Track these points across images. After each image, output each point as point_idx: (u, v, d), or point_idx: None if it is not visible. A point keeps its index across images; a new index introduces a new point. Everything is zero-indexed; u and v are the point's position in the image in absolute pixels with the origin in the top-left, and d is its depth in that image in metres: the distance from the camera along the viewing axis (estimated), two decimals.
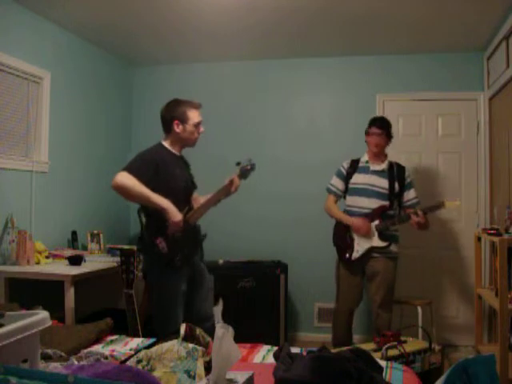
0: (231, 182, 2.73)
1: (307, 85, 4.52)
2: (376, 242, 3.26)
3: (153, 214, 2.62)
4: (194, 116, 2.71)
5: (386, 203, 3.27)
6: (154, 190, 2.55)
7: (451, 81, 4.23)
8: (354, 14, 3.46)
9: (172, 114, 2.71)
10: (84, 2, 3.30)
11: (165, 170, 2.62)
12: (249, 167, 2.74)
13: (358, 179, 3.37)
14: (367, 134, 3.39)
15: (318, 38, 4.00)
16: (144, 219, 2.76)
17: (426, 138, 4.30)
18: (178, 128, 2.70)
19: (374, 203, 3.27)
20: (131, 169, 2.55)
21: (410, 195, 3.34)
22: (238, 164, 2.76)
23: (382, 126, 3.34)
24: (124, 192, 2.53)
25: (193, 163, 2.95)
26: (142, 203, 2.67)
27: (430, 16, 3.45)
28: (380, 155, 3.38)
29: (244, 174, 2.75)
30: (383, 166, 3.35)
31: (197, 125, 2.73)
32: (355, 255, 3.29)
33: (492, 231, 3.17)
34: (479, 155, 4.18)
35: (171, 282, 2.65)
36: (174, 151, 2.75)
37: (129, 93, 4.81)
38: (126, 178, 2.50)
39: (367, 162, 3.39)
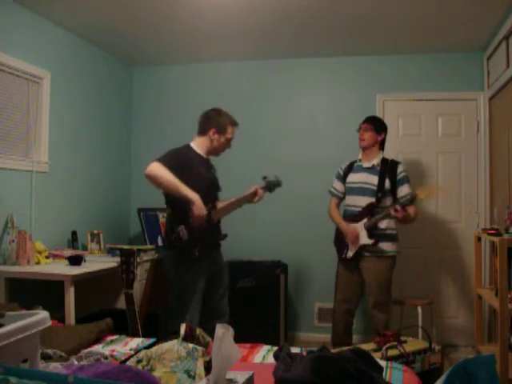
0: (255, 193, 2.92)
1: (307, 85, 4.52)
2: (364, 239, 3.26)
3: (177, 205, 2.76)
4: (230, 131, 2.94)
5: (374, 200, 3.26)
6: None
7: (451, 81, 4.23)
8: (354, 15, 3.46)
9: (212, 121, 2.90)
10: (84, 2, 3.30)
11: (190, 169, 2.78)
12: (275, 182, 2.99)
13: (352, 178, 3.41)
14: (357, 131, 3.43)
15: (317, 39, 4.00)
16: (168, 210, 2.91)
17: (426, 137, 4.30)
18: (213, 135, 2.90)
19: (366, 201, 3.28)
20: (163, 160, 2.72)
21: (403, 191, 3.26)
22: (265, 178, 2.98)
23: (368, 121, 3.37)
24: (155, 180, 2.70)
25: None
26: (171, 193, 2.77)
27: (430, 16, 3.45)
28: (372, 153, 3.38)
29: (270, 187, 2.99)
30: (373, 162, 3.34)
31: (229, 140, 2.95)
32: (349, 254, 3.34)
33: (492, 231, 3.17)
34: (479, 155, 4.18)
35: (191, 276, 2.77)
36: (201, 153, 2.92)
37: (129, 93, 4.81)
38: (158, 168, 2.68)
39: (360, 160, 3.42)
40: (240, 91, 4.61)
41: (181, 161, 2.77)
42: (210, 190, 2.88)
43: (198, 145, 2.92)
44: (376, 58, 4.35)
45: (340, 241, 3.43)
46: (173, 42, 4.14)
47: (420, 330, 3.38)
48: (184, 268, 2.79)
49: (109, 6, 3.36)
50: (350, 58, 4.41)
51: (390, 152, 4.24)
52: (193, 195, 2.68)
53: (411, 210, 3.21)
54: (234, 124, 2.96)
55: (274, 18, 3.54)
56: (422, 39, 3.92)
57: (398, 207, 3.08)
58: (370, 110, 4.24)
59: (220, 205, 2.93)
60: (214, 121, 2.90)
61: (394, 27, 3.69)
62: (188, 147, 2.91)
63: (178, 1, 3.28)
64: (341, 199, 3.52)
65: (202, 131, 2.92)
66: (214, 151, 2.96)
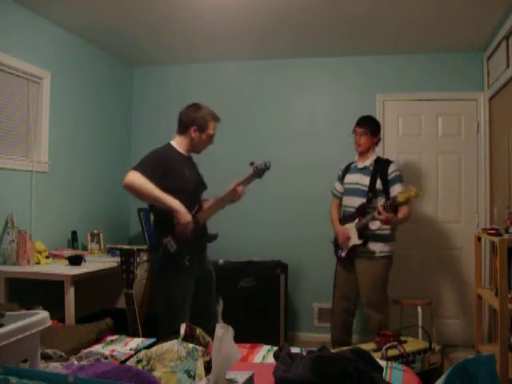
0: (234, 190, 2.78)
1: (307, 85, 4.52)
2: (354, 240, 3.28)
3: (161, 214, 2.64)
4: (211, 127, 2.78)
5: (365, 201, 3.27)
6: (163, 190, 2.57)
7: (451, 81, 4.23)
8: (354, 15, 3.46)
9: (192, 119, 2.75)
10: (84, 2, 3.30)
11: (173, 171, 2.65)
12: (263, 167, 2.81)
13: (348, 179, 3.43)
14: (353, 133, 3.42)
15: (317, 39, 4.00)
16: (152, 218, 2.76)
17: (426, 137, 4.30)
18: (194, 134, 2.75)
19: (359, 201, 3.30)
20: (141, 168, 2.57)
21: (395, 191, 3.22)
22: (252, 164, 2.82)
23: (363, 124, 3.35)
24: (134, 191, 2.57)
25: None
26: (152, 203, 2.68)
27: (430, 16, 3.45)
28: (367, 154, 3.38)
29: (259, 173, 2.81)
30: (366, 162, 3.36)
31: (211, 136, 2.81)
32: (342, 254, 3.38)
33: (492, 231, 3.17)
34: (479, 155, 4.18)
35: (180, 283, 2.66)
36: (182, 152, 2.79)
37: (129, 93, 4.81)
38: (136, 178, 2.53)
39: (355, 161, 3.45)
40: (240, 91, 4.61)
41: (162, 163, 2.63)
42: (195, 190, 2.78)
43: (179, 143, 2.78)
44: (376, 58, 4.35)
45: (335, 241, 3.49)
46: (173, 42, 4.14)
47: (420, 330, 3.38)
48: (173, 276, 2.66)
49: (109, 6, 3.36)
50: (350, 58, 4.41)
51: (390, 152, 4.26)
52: (175, 203, 2.54)
53: (403, 211, 3.19)
54: (216, 119, 2.80)
55: (274, 18, 3.54)
56: (422, 39, 3.92)
57: (381, 209, 3.08)
58: (370, 110, 4.23)
59: (206, 205, 2.82)
60: (194, 118, 2.73)
61: (394, 27, 3.69)
62: (169, 146, 2.77)
63: (177, 1, 3.28)
64: (341, 200, 3.54)
65: (182, 129, 2.77)
66: (195, 149, 2.82)
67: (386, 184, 3.27)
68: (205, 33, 3.88)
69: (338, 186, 3.54)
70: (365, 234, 3.24)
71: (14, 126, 3.33)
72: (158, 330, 2.68)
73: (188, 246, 2.65)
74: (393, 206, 3.08)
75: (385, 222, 3.13)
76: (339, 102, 4.45)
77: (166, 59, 4.61)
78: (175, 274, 2.66)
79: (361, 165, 3.38)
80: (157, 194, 2.54)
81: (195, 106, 2.79)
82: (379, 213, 3.07)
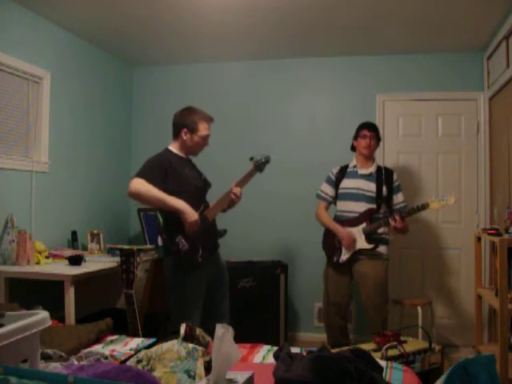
0: (231, 192, 2.83)
1: (307, 85, 4.52)
2: (362, 244, 3.29)
3: (170, 216, 2.69)
4: (203, 128, 2.79)
5: (374, 206, 3.31)
6: (166, 192, 2.63)
7: (451, 81, 4.22)
8: (354, 15, 3.46)
9: (183, 121, 2.79)
10: (84, 2, 3.30)
11: (174, 173, 2.70)
12: (264, 160, 2.85)
13: (346, 184, 3.42)
14: (357, 137, 3.43)
15: (318, 38, 4.00)
16: (162, 220, 2.80)
17: (426, 137, 4.30)
18: (185, 136, 2.79)
19: (362, 207, 3.32)
20: (143, 174, 2.63)
21: (398, 198, 3.40)
22: (251, 159, 2.85)
23: (372, 129, 3.38)
24: (140, 198, 2.65)
25: None
26: (159, 207, 2.73)
27: (430, 16, 3.45)
28: (368, 160, 3.42)
29: (259, 167, 2.86)
30: (370, 169, 3.39)
31: (204, 138, 2.82)
32: (343, 258, 3.35)
33: (492, 231, 3.17)
34: (479, 155, 4.17)
35: (193, 281, 2.71)
36: (180, 154, 2.83)
37: (129, 93, 4.81)
38: (140, 185, 2.60)
39: (355, 166, 3.45)
40: (240, 91, 4.61)
41: (163, 166, 2.68)
42: (199, 190, 2.83)
43: (175, 147, 2.84)
44: (376, 58, 4.35)
45: (330, 245, 3.45)
46: (173, 42, 4.14)
47: (420, 330, 3.38)
48: (186, 274, 2.71)
49: (109, 6, 3.36)
50: (350, 58, 4.41)
51: (390, 152, 4.27)
52: (180, 204, 2.61)
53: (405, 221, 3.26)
54: (208, 120, 2.81)
55: (274, 18, 3.54)
56: (422, 39, 3.92)
57: (398, 217, 3.16)
58: (370, 110, 4.24)
59: (212, 203, 2.88)
60: (184, 121, 2.78)
61: (394, 27, 3.69)
62: (167, 150, 2.83)
63: (177, 1, 3.28)
64: (329, 203, 3.55)
65: (175, 133, 2.83)
66: (191, 151, 2.86)
67: (391, 192, 3.37)
68: (205, 33, 3.88)
69: (329, 190, 3.51)
70: (372, 237, 3.29)
71: (14, 126, 3.33)
72: (167, 329, 2.71)
73: (199, 243, 2.70)
74: (418, 211, 3.20)
75: (400, 229, 3.20)
76: (339, 101, 4.45)
77: (166, 59, 4.61)
78: (189, 272, 2.71)
79: (364, 171, 3.39)
80: (161, 197, 2.60)
81: (187, 110, 2.83)
82: (395, 220, 3.15)
